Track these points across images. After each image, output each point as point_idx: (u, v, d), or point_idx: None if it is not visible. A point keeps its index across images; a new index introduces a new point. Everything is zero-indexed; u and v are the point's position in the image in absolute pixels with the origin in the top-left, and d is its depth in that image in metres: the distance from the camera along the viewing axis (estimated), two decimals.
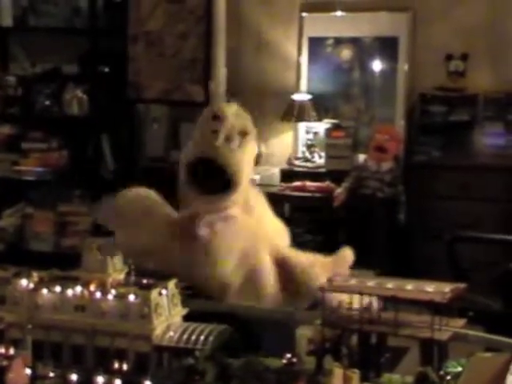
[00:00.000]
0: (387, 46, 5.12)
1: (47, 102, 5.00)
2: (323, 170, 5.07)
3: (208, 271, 2.71)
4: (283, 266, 2.85)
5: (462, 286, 2.23)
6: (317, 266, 2.88)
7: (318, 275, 2.80)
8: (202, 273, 2.71)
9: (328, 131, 5.10)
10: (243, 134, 2.71)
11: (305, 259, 2.91)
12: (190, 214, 2.81)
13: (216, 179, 2.70)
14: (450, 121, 4.84)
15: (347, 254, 2.95)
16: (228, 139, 2.67)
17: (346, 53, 5.22)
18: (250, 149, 2.75)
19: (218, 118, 2.69)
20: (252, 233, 2.80)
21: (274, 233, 2.93)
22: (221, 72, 5.04)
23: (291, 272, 2.86)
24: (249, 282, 2.78)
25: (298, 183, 4.94)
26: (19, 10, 5.11)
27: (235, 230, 2.75)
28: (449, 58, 4.92)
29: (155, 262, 2.74)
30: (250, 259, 2.77)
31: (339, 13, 5.15)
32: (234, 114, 2.72)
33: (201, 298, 2.63)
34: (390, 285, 2.26)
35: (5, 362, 2.03)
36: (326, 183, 4.93)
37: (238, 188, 2.69)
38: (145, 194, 2.98)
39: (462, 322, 2.17)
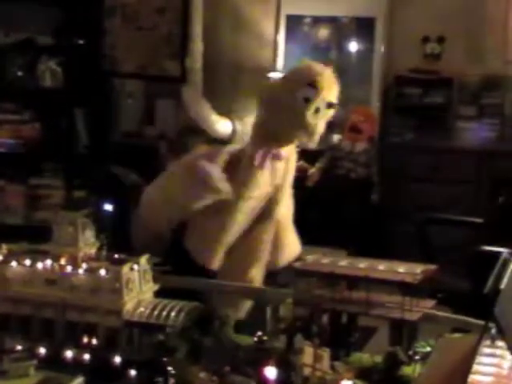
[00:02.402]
0: (364, 27, 5.11)
1: (20, 73, 4.93)
2: (297, 149, 5.05)
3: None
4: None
5: (432, 267, 2.25)
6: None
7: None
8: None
9: None
10: (330, 105, 2.68)
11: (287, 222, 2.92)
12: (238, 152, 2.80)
13: None
14: (425, 103, 4.86)
15: (297, 248, 2.93)
16: (317, 111, 2.64)
17: (324, 32, 5.21)
18: (329, 116, 2.76)
19: (314, 85, 2.63)
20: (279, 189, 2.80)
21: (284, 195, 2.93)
22: (197, 48, 5.00)
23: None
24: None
25: None
26: None
27: (274, 173, 2.75)
28: (425, 40, 4.93)
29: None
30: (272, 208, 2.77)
31: None
32: (328, 82, 2.67)
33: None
34: (362, 265, 2.27)
35: None
36: (300, 163, 4.89)
37: (313, 144, 2.72)
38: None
39: (431, 303, 2.18)
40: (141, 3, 5.04)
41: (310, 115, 2.61)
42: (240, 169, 2.72)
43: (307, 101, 2.59)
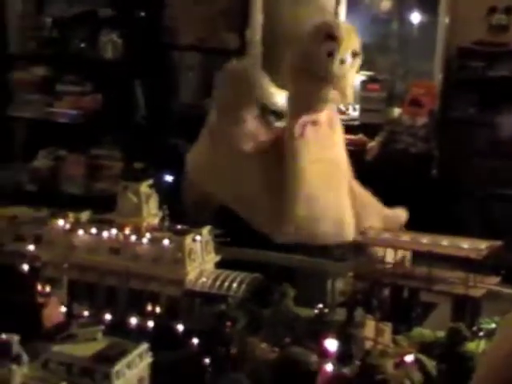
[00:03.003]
0: None
1: (82, 45, 4.97)
2: (357, 122, 5.02)
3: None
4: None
5: (497, 243, 2.22)
6: (371, 209, 2.86)
7: (370, 218, 2.78)
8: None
9: (363, 84, 5.03)
10: (354, 54, 2.67)
11: (367, 196, 2.90)
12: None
13: None
14: (489, 76, 4.74)
15: (400, 215, 2.91)
16: (342, 62, 2.62)
17: (386, 4, 5.13)
18: (357, 69, 2.74)
19: (332, 38, 2.61)
20: (332, 149, 2.80)
21: (345, 158, 2.92)
22: (257, 20, 4.98)
23: (352, 200, 2.85)
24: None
25: None
26: None
27: (321, 137, 2.74)
28: (492, 10, 4.80)
29: None
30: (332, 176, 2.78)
31: None
32: (347, 33, 2.66)
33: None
34: (425, 240, 2.25)
35: (41, 299, 2.06)
36: (359, 136, 4.88)
37: (346, 101, 2.71)
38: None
39: (496, 279, 2.16)
40: None
41: (336, 67, 2.58)
42: (286, 144, 2.72)
43: (330, 54, 2.58)
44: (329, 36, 2.60)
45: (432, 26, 4.99)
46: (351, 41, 2.63)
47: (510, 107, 4.62)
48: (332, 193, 2.73)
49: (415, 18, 5.06)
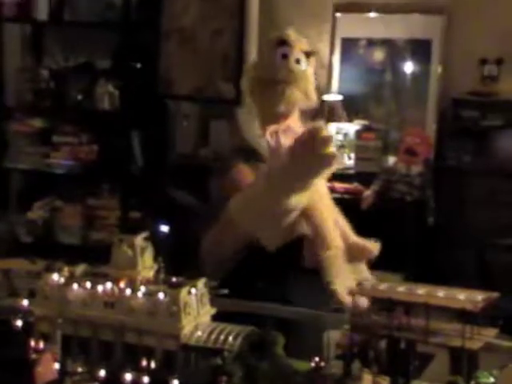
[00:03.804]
0: (420, 49, 5.08)
1: (79, 96, 5.03)
2: (352, 171, 5.05)
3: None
4: None
5: (494, 294, 2.20)
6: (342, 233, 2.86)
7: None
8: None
9: (358, 133, 5.07)
10: (307, 53, 2.74)
11: (341, 220, 2.89)
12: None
13: None
14: (482, 126, 4.80)
15: (374, 248, 2.91)
16: (297, 61, 2.70)
17: (379, 54, 5.19)
18: (313, 67, 2.80)
19: (285, 42, 2.71)
20: None
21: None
22: None
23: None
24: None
25: (327, 184, 4.91)
26: (54, 4, 5.14)
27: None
28: (483, 62, 4.88)
29: None
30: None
31: (373, 14, 5.13)
32: (297, 38, 2.76)
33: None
34: (421, 291, 2.23)
35: (34, 356, 2.04)
36: (355, 185, 4.90)
37: (311, 100, 2.73)
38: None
39: (493, 331, 2.14)
40: (198, 25, 5.10)
41: (293, 65, 2.65)
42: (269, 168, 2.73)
43: (285, 57, 2.67)
44: (281, 42, 2.71)
45: (425, 75, 5.05)
46: (302, 43, 2.74)
47: (503, 156, 4.66)
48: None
49: (408, 68, 5.12)
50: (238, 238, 2.83)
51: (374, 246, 2.86)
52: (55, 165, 4.97)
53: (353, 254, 2.78)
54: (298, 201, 2.70)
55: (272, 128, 2.71)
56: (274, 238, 2.74)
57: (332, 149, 2.63)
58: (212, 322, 2.24)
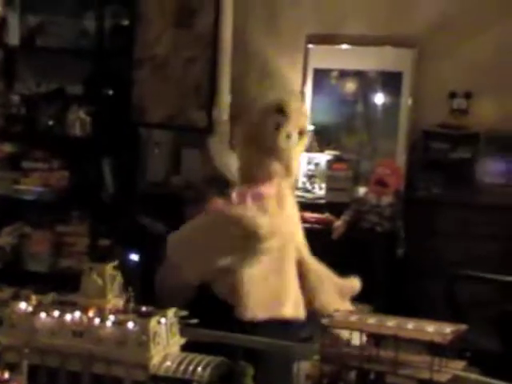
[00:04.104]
0: (391, 81, 5.14)
1: (50, 122, 5.00)
2: (323, 201, 5.07)
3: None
4: (299, 267, 2.88)
5: (462, 327, 2.22)
6: (328, 281, 2.88)
7: (327, 291, 2.81)
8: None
9: (329, 163, 5.10)
10: (301, 132, 2.76)
11: (322, 269, 2.92)
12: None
13: None
14: (452, 158, 4.85)
15: (355, 284, 2.95)
16: (288, 136, 2.71)
17: (350, 85, 5.24)
18: (303, 147, 2.81)
19: (282, 112, 2.73)
20: (280, 225, 2.82)
21: (299, 232, 2.94)
22: (225, 99, 5.06)
23: (305, 275, 2.87)
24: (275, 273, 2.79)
25: None
26: (27, 30, 5.13)
27: (264, 213, 2.75)
28: (452, 95, 4.95)
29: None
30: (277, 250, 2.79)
31: (345, 46, 5.18)
32: (297, 110, 2.76)
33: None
34: (391, 323, 2.24)
35: None
36: (326, 215, 4.92)
37: (291, 176, 2.75)
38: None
39: (461, 364, 2.15)
40: (171, 54, 5.12)
41: (281, 140, 2.68)
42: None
43: (278, 127, 2.68)
44: (278, 110, 2.72)
45: (396, 107, 5.10)
46: (300, 119, 2.76)
47: (472, 187, 4.71)
48: (281, 272, 2.77)
49: (380, 99, 5.17)
50: (180, 277, 2.84)
51: (355, 283, 2.88)
52: (25, 191, 4.93)
53: (342, 294, 2.80)
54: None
55: (240, 190, 2.73)
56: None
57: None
58: (181, 352, 2.23)
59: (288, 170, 2.75)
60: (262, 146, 2.72)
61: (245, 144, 2.81)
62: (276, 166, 2.74)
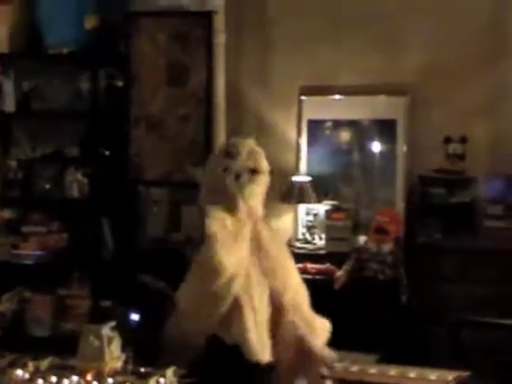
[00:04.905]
0: (386, 129, 5.16)
1: (47, 185, 5.01)
2: (323, 251, 5.05)
3: None
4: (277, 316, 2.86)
5: (464, 373, 2.19)
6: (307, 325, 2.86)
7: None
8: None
9: (328, 213, 5.10)
10: (253, 171, 2.83)
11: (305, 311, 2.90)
12: None
13: None
14: (451, 203, 4.85)
15: (326, 325, 2.94)
16: (238, 177, 2.79)
17: (345, 135, 5.26)
18: (260, 184, 2.86)
19: (230, 154, 2.82)
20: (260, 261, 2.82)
21: (280, 272, 2.92)
22: None
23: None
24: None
25: (298, 265, 4.90)
26: (21, 94, 5.17)
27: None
28: (447, 140, 4.96)
29: None
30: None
31: (338, 96, 5.22)
32: (246, 151, 2.85)
33: None
34: (393, 372, 2.22)
35: None
36: (327, 265, 4.90)
37: (252, 216, 2.75)
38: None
39: None
40: (165, 112, 5.16)
41: (230, 181, 2.77)
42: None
43: (225, 170, 2.76)
44: (226, 154, 2.83)
45: (392, 154, 5.11)
46: (250, 159, 2.81)
47: (472, 232, 4.69)
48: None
49: (375, 147, 5.19)
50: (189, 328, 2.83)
51: (329, 356, 2.82)
52: (24, 255, 4.92)
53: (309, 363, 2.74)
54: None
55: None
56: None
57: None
58: None
59: (235, 207, 2.81)
60: (217, 190, 2.83)
61: (206, 191, 2.92)
62: (232, 207, 2.81)
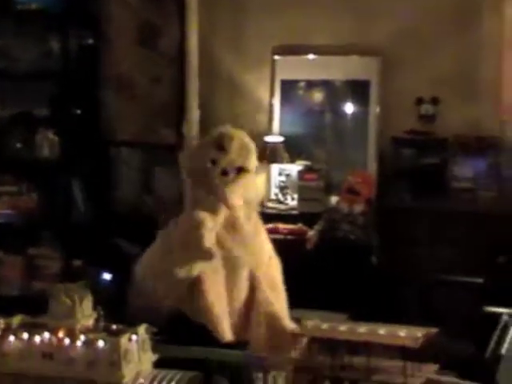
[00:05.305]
0: (358, 90, 5.16)
1: (18, 145, 4.96)
2: (295, 212, 5.07)
3: None
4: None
5: (433, 330, 2.22)
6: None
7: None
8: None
9: (300, 173, 5.10)
10: (240, 169, 2.74)
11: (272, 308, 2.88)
12: None
13: None
14: (421, 164, 4.88)
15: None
16: (224, 173, 2.71)
17: (318, 95, 5.25)
18: (247, 182, 2.79)
19: (220, 147, 2.73)
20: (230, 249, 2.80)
21: (256, 258, 2.90)
22: (194, 115, 5.05)
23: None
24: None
25: (270, 225, 4.92)
26: None
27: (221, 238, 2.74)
28: (419, 101, 4.97)
29: None
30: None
31: (311, 56, 5.20)
32: (238, 146, 2.75)
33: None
34: (362, 329, 2.25)
35: None
36: (299, 226, 4.92)
37: (224, 211, 2.73)
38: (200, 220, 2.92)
39: (434, 367, 2.16)
40: (137, 72, 5.11)
41: (217, 176, 2.69)
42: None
43: (214, 163, 2.69)
44: (217, 145, 2.72)
45: (364, 116, 5.12)
46: (240, 156, 2.73)
47: (442, 193, 4.73)
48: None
49: (348, 108, 5.19)
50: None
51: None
52: None
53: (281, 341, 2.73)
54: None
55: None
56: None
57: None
58: (154, 369, 2.21)
59: (225, 203, 2.75)
60: (200, 179, 2.75)
61: (187, 175, 2.84)
62: (214, 200, 2.75)
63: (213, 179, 2.70)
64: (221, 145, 2.74)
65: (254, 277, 2.85)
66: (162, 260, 2.80)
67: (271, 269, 2.94)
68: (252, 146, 2.84)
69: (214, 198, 2.74)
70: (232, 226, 2.82)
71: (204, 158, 2.74)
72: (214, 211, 2.74)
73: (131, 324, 2.28)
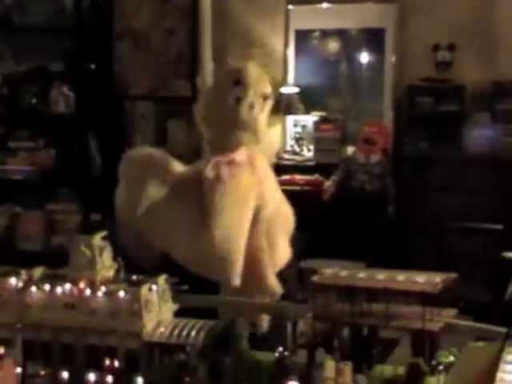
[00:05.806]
0: (374, 38, 5.11)
1: (33, 101, 4.96)
2: (312, 163, 5.07)
3: (212, 234, 2.65)
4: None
5: (452, 276, 2.23)
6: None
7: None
8: (206, 238, 2.66)
9: (316, 124, 5.09)
10: (264, 97, 2.68)
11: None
12: (198, 170, 2.76)
13: None
14: (438, 112, 4.84)
15: (287, 256, 2.87)
16: (251, 106, 2.63)
17: (333, 45, 5.21)
18: (268, 110, 2.74)
19: (240, 83, 2.64)
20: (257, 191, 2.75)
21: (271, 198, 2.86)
22: (208, 67, 5.02)
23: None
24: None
25: (286, 177, 4.93)
26: (3, 8, 5.07)
27: (240, 180, 2.70)
28: (436, 48, 4.92)
29: (156, 226, 2.70)
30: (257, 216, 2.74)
31: (325, 5, 5.15)
32: (255, 77, 2.67)
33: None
34: (381, 276, 2.25)
35: None
36: (315, 176, 4.92)
37: (259, 143, 2.69)
38: (149, 153, 2.93)
39: (452, 312, 2.16)
40: (150, 25, 5.08)
41: (244, 112, 2.60)
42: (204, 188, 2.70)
43: (238, 100, 2.60)
44: (236, 82, 2.63)
45: (380, 64, 5.08)
46: (260, 86, 2.65)
47: (459, 141, 4.70)
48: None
49: (363, 58, 5.15)
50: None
51: (276, 290, 2.76)
52: (12, 171, 4.90)
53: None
54: None
55: (214, 161, 2.68)
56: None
57: None
58: (174, 318, 2.23)
59: (256, 138, 2.69)
60: (225, 120, 2.66)
61: (209, 121, 2.74)
62: (243, 137, 2.68)
63: (241, 116, 2.62)
64: (239, 80, 2.65)
65: (256, 217, 2.80)
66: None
67: (278, 217, 2.88)
68: (265, 73, 2.78)
69: (241, 134, 2.66)
70: (252, 164, 2.76)
71: (227, 98, 2.65)
72: (233, 149, 2.70)
73: (151, 274, 2.30)
